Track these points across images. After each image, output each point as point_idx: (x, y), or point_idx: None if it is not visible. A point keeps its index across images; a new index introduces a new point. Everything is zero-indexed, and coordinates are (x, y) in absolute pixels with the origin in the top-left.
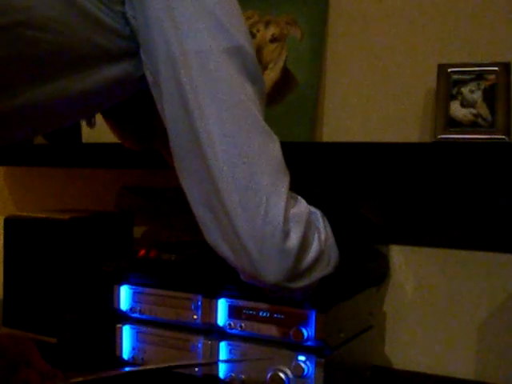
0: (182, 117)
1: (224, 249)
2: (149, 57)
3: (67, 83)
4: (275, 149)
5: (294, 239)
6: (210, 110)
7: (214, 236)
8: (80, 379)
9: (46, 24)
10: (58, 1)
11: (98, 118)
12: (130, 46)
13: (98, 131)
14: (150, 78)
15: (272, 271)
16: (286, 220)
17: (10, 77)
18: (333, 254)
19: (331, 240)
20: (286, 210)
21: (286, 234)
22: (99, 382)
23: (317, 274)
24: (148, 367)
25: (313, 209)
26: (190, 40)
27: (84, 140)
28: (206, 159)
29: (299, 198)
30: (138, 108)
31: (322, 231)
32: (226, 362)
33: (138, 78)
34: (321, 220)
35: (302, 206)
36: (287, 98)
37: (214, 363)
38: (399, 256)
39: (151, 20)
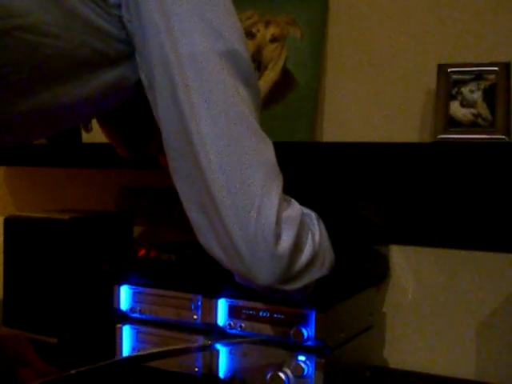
0: (175, 119)
1: (217, 251)
2: (144, 60)
3: (68, 88)
4: (268, 152)
5: (286, 242)
6: (203, 113)
7: (207, 238)
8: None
9: (43, 28)
10: (54, 5)
11: (95, 121)
12: (126, 50)
13: (98, 132)
14: (145, 81)
15: (264, 274)
16: (279, 223)
17: (13, 83)
18: (328, 256)
19: (326, 242)
20: (279, 213)
21: (278, 237)
22: (93, 373)
23: (311, 276)
24: (143, 353)
25: (307, 210)
26: (183, 43)
27: (84, 140)
28: (199, 161)
29: (292, 200)
30: (133, 113)
31: (316, 233)
32: (222, 343)
33: (135, 82)
34: (315, 222)
35: (294, 209)
36: (287, 98)
37: (211, 346)
38: (399, 256)
39: (146, 23)
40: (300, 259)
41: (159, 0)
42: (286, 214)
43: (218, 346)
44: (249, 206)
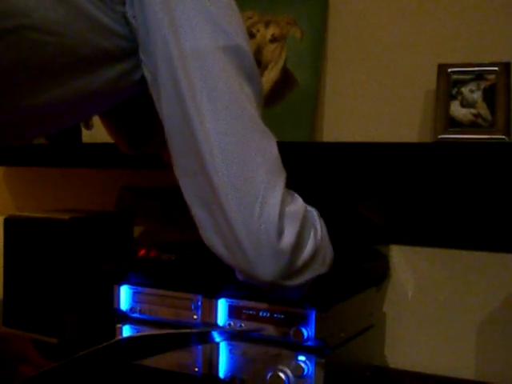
0: (179, 114)
1: (219, 247)
2: (148, 56)
3: (72, 86)
4: (271, 147)
5: (289, 237)
6: (206, 108)
7: (210, 234)
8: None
9: (49, 26)
10: (60, 3)
11: (96, 119)
12: (130, 47)
13: (98, 131)
14: (148, 77)
15: (267, 269)
16: (281, 218)
17: (19, 81)
18: (328, 253)
19: (326, 239)
20: (282, 208)
21: (280, 232)
22: (91, 359)
23: (312, 273)
24: (139, 334)
25: (309, 207)
26: (187, 39)
27: (84, 140)
28: (202, 157)
29: (296, 195)
30: (135, 109)
31: (318, 230)
32: (220, 330)
33: (138, 78)
34: (317, 219)
35: (298, 204)
36: (287, 97)
37: (209, 332)
38: (399, 256)
39: (150, 19)
40: (302, 255)
41: None
42: (289, 209)
43: (216, 336)
44: (252, 201)
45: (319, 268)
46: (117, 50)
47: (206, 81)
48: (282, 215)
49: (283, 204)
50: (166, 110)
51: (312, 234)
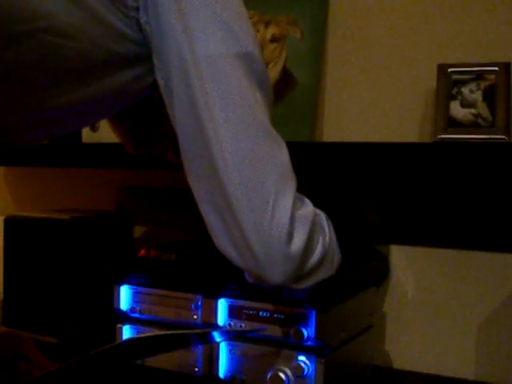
0: (191, 120)
1: (230, 250)
2: (161, 62)
3: (85, 89)
4: (282, 153)
5: (299, 242)
6: (219, 114)
7: (221, 237)
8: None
9: (66, 30)
10: (76, 8)
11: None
12: (143, 52)
13: (98, 131)
14: (161, 82)
15: (277, 273)
16: (292, 222)
17: (33, 84)
18: (335, 256)
19: (334, 242)
20: (292, 213)
21: (290, 237)
22: (91, 362)
23: (320, 275)
24: (141, 335)
25: (318, 211)
26: (201, 45)
27: (84, 140)
28: (214, 162)
29: (306, 199)
30: (143, 111)
31: (327, 233)
32: (219, 330)
33: (150, 82)
34: (325, 222)
35: (308, 208)
36: (287, 98)
37: (209, 332)
38: (399, 256)
39: (164, 26)
40: (311, 259)
41: (177, 3)
42: (299, 213)
43: (216, 336)
44: (263, 206)
45: (328, 271)
46: (130, 55)
47: (219, 87)
48: (292, 219)
49: (293, 209)
50: (179, 115)
51: (321, 238)
